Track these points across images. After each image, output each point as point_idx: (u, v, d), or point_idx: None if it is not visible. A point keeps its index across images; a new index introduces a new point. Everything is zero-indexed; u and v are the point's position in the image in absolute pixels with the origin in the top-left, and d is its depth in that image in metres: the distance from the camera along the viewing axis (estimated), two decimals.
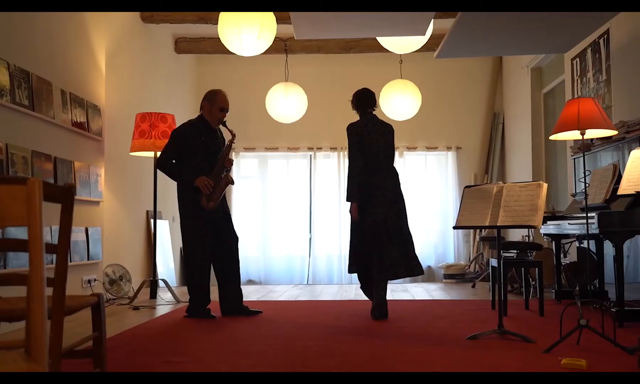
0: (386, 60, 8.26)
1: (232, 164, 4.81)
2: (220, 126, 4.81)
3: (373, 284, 4.65)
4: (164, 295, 6.17)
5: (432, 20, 4.96)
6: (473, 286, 7.25)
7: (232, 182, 4.70)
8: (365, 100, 4.84)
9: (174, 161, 4.70)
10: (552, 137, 4.11)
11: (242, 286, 4.87)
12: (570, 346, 3.30)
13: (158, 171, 6.03)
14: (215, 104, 4.70)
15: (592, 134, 4.00)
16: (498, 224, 3.56)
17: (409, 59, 8.00)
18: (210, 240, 4.64)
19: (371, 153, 4.68)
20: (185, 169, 4.64)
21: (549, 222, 5.18)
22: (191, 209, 4.62)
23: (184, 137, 4.65)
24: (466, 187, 3.94)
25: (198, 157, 4.64)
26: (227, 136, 4.82)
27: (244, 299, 4.83)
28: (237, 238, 4.79)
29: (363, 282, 4.86)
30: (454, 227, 3.90)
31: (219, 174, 4.67)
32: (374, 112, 4.86)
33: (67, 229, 1.82)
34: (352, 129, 4.74)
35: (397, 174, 4.81)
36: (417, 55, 7.34)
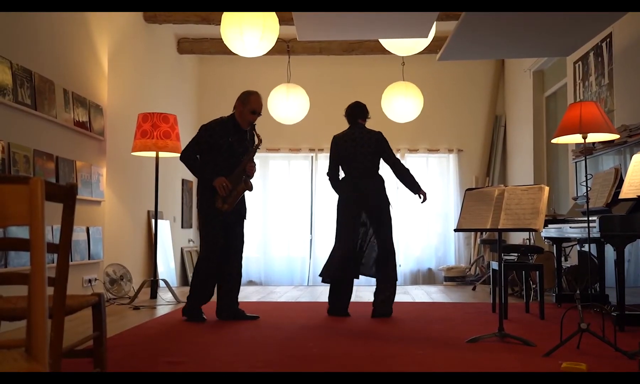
0: (388, 62, 8.25)
1: (254, 170, 4.71)
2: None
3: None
4: (164, 295, 6.17)
5: (435, 22, 4.96)
6: (473, 289, 7.24)
7: (251, 189, 4.66)
8: (352, 111, 5.07)
9: (197, 156, 4.65)
10: (553, 141, 4.10)
11: (242, 287, 4.85)
12: (571, 349, 3.30)
13: (159, 171, 6.06)
14: (247, 105, 4.63)
15: (594, 137, 3.99)
16: (499, 227, 3.56)
17: (411, 61, 7.99)
18: (221, 241, 4.59)
19: (349, 161, 4.93)
20: (207, 167, 4.58)
21: (550, 226, 5.17)
22: (206, 207, 4.58)
23: (211, 134, 4.59)
24: (467, 189, 3.94)
25: (221, 157, 4.57)
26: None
27: (244, 301, 4.81)
28: (243, 242, 4.76)
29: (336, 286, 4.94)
30: (455, 230, 3.90)
31: (239, 178, 4.61)
32: (364, 123, 5.04)
33: (69, 229, 1.82)
34: (332, 140, 5.07)
35: (380, 181, 4.92)
36: (420, 57, 7.34)
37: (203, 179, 4.61)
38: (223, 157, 4.58)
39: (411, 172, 4.97)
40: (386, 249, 4.81)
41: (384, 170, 4.96)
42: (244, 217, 4.78)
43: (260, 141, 4.69)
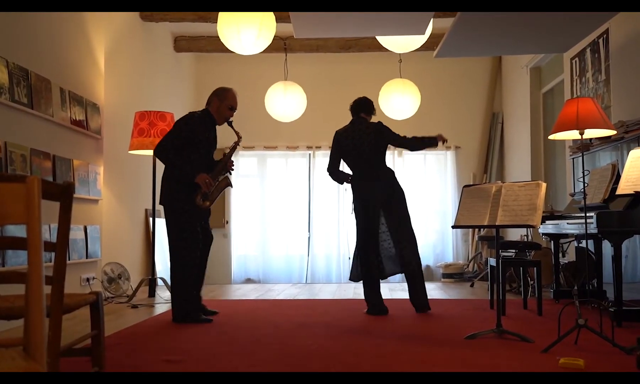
0: (385, 60, 8.25)
1: (232, 167, 4.68)
2: (225, 126, 4.70)
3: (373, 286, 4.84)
4: (162, 293, 6.17)
5: (432, 19, 4.96)
6: (471, 286, 7.25)
7: (231, 185, 4.64)
8: (356, 106, 5.09)
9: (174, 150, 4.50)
10: (551, 137, 4.11)
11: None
12: (569, 345, 3.30)
13: (157, 169, 6.04)
14: (225, 101, 4.60)
15: (591, 133, 4.00)
16: (497, 224, 3.56)
17: (408, 58, 7.99)
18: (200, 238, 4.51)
19: (351, 158, 4.96)
20: (184, 162, 4.42)
21: (547, 222, 5.18)
22: (186, 203, 4.42)
23: (192, 129, 4.45)
24: (465, 186, 3.94)
25: (199, 152, 4.49)
26: (222, 135, 4.75)
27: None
28: (212, 238, 4.72)
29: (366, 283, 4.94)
30: (453, 227, 3.90)
31: (221, 174, 4.59)
32: (368, 117, 5.05)
33: (66, 227, 1.82)
34: (334, 135, 5.09)
35: (389, 173, 4.93)
36: (417, 54, 7.34)
37: (184, 174, 4.40)
38: (200, 152, 4.51)
39: (418, 136, 4.93)
40: (405, 243, 4.82)
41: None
42: (210, 213, 4.72)
43: (240, 137, 4.69)
